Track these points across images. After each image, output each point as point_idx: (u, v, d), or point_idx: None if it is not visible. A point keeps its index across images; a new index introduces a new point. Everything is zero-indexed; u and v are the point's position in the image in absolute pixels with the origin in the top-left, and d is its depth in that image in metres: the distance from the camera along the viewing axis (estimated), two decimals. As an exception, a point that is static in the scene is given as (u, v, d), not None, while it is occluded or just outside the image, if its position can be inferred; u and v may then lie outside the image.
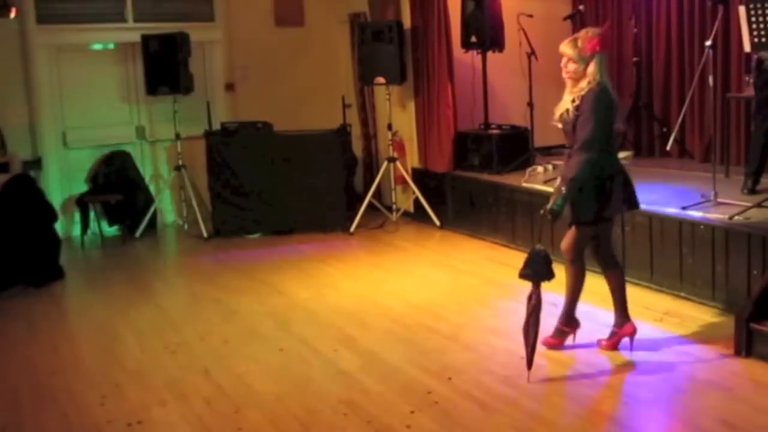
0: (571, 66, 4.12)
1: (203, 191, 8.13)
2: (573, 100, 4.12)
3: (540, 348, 4.14)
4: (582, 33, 4.18)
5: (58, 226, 6.89)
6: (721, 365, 4.10)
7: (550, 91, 6.20)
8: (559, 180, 4.28)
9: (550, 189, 4.51)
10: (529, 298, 4.03)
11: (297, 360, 4.54)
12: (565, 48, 4.14)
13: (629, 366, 4.16)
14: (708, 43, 5.25)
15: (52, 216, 6.76)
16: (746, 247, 4.69)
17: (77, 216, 7.92)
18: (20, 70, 7.86)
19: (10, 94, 7.77)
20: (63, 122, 8.13)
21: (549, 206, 4.07)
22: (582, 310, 4.60)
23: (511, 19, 7.40)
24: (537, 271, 4.04)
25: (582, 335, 4.49)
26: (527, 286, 4.07)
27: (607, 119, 4.10)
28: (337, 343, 4.74)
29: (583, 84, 4.10)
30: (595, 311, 4.91)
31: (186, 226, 8.28)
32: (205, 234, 7.73)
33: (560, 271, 4.31)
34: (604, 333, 4.52)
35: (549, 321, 4.39)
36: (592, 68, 4.08)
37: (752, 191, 5.55)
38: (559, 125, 4.26)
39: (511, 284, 5.19)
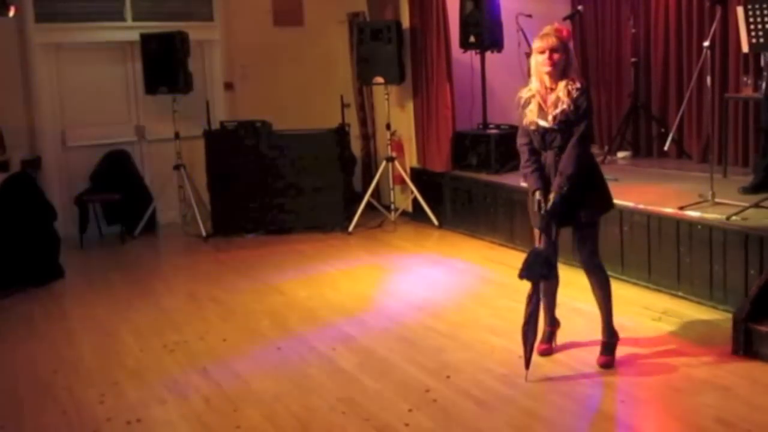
0: (557, 55, 4.03)
1: (202, 190, 8.14)
2: (569, 94, 4.08)
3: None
4: (547, 28, 4.11)
5: (58, 226, 6.89)
6: (719, 364, 4.11)
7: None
8: (531, 179, 4.24)
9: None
10: (529, 298, 4.03)
11: (295, 358, 4.55)
12: (546, 41, 4.02)
13: (627, 365, 4.17)
14: (706, 43, 5.26)
15: (51, 215, 6.76)
16: (744, 246, 4.70)
17: (77, 215, 7.92)
18: (19, 69, 7.86)
19: (9, 93, 7.77)
20: (62, 121, 8.13)
21: (550, 208, 4.05)
22: (583, 310, 4.62)
23: (510, 19, 7.41)
24: (536, 271, 4.03)
25: (582, 335, 4.51)
26: (525, 286, 4.08)
27: None
28: (336, 342, 4.75)
29: (573, 75, 4.07)
30: (596, 311, 4.92)
31: (185, 226, 8.28)
32: (204, 233, 7.74)
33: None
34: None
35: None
36: (573, 54, 4.14)
37: (750, 190, 5.54)
38: (553, 126, 4.14)
39: (510, 283, 5.21)
